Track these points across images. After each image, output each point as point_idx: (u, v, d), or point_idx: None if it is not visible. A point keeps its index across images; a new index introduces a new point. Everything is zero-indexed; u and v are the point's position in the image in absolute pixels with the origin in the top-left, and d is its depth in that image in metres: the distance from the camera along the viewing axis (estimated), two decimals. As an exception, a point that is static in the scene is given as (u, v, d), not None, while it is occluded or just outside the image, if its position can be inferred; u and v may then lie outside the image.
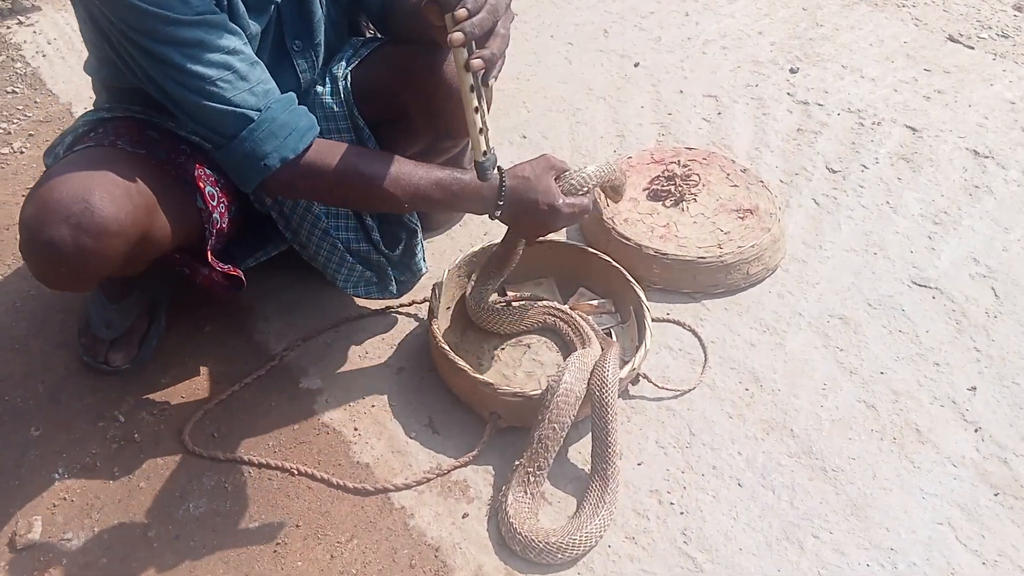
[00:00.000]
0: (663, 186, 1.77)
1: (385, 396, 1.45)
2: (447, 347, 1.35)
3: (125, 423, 1.41)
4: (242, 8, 1.16)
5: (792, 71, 2.30)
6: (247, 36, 1.16)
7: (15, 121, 2.12)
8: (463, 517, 1.28)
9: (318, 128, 1.20)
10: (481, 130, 1.09)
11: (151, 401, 1.44)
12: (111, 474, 1.33)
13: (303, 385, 1.47)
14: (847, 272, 1.70)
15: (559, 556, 1.20)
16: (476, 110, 1.07)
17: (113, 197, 1.11)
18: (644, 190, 1.79)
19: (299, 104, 1.20)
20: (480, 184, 1.21)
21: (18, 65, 2.31)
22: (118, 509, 1.28)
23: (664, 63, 2.35)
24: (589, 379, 1.30)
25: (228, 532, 1.26)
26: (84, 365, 1.48)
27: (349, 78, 1.38)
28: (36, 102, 2.17)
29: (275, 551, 1.23)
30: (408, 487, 1.31)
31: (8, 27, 2.47)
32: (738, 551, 1.23)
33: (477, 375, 1.32)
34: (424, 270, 1.51)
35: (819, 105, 2.17)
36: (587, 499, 1.27)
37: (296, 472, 1.32)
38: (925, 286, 1.66)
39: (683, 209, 1.74)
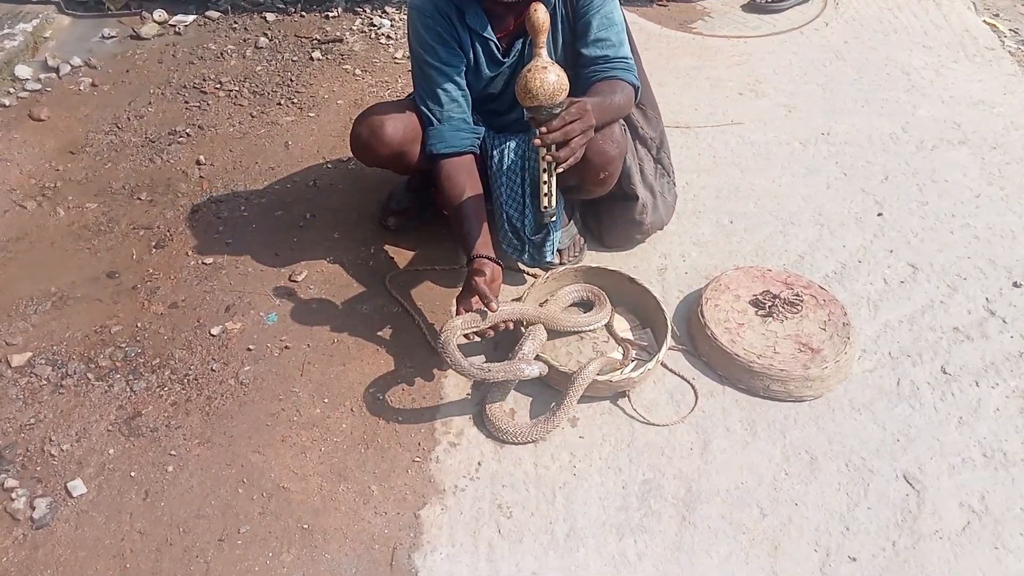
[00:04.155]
0: (766, 299, 2.22)
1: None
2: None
3: (372, 254, 2.48)
4: (483, 61, 2.06)
5: (1015, 285, 2.39)
6: (483, 76, 2.06)
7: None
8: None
9: (458, 148, 2.06)
10: (546, 194, 1.81)
11: (387, 249, 2.49)
12: (351, 269, 2.41)
13: (459, 286, 2.37)
14: (854, 439, 1.98)
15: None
16: (545, 183, 1.80)
17: (394, 128, 2.09)
18: (752, 295, 2.25)
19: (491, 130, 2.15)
20: (465, 255, 2.03)
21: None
22: (342, 290, 2.36)
23: (906, 224, 2.60)
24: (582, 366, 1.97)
25: (367, 329, 2.24)
26: (377, 218, 2.58)
27: None
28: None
29: (376, 350, 2.19)
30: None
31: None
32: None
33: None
34: (548, 259, 2.28)
35: (1004, 322, 2.28)
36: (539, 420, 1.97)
37: (410, 314, 2.25)
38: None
39: (765, 322, 2.18)
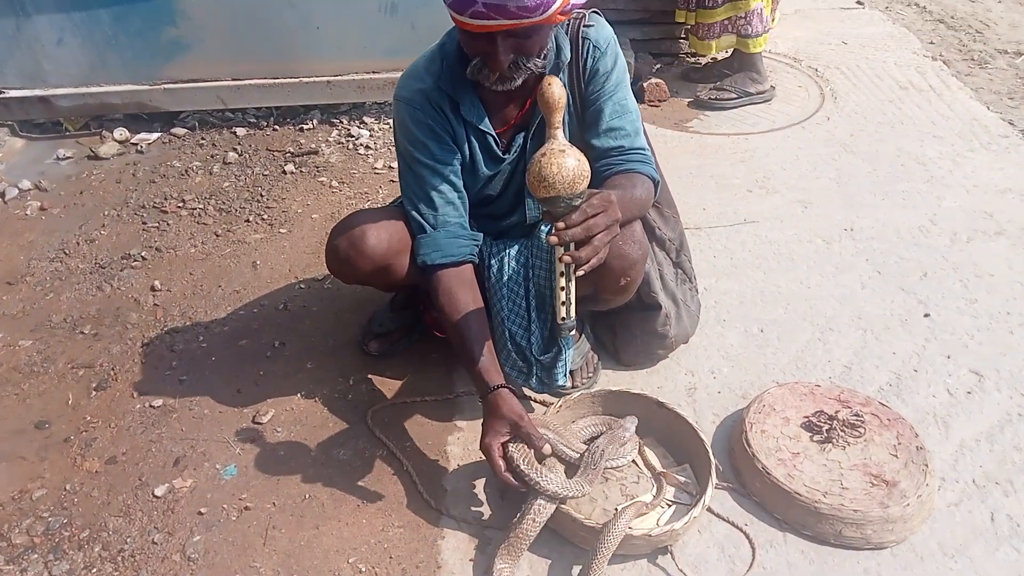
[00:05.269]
0: (821, 421, 1.86)
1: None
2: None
3: (352, 385, 2.11)
4: (480, 158, 1.77)
5: (1099, 389, 2.06)
6: (480, 175, 1.78)
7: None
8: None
9: (456, 258, 1.75)
10: (564, 303, 1.48)
11: (369, 379, 2.13)
12: (326, 405, 2.04)
13: (456, 420, 2.01)
14: (956, 593, 1.60)
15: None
16: (563, 289, 1.46)
17: (378, 238, 1.78)
18: (804, 417, 1.90)
19: (503, 238, 1.80)
20: (477, 386, 1.69)
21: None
22: (315, 432, 1.98)
23: (958, 325, 2.29)
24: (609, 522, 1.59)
25: (346, 479, 1.85)
26: (356, 344, 2.23)
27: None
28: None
29: (357, 506, 1.79)
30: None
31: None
32: None
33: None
34: (560, 382, 1.92)
35: (1096, 435, 1.93)
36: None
37: (397, 458, 1.86)
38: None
39: (824, 450, 1.82)
